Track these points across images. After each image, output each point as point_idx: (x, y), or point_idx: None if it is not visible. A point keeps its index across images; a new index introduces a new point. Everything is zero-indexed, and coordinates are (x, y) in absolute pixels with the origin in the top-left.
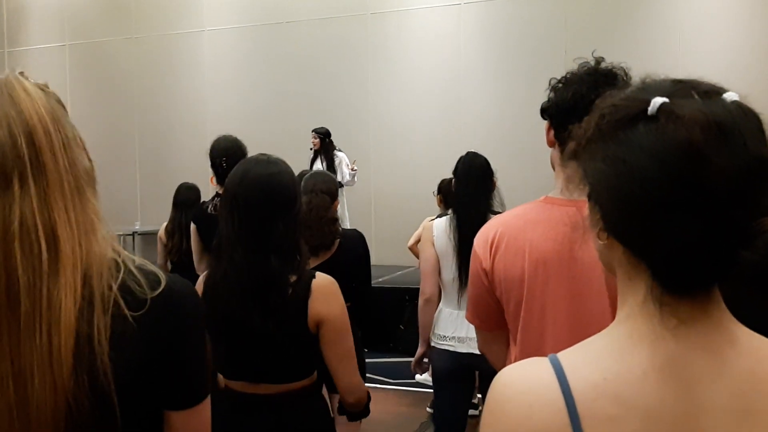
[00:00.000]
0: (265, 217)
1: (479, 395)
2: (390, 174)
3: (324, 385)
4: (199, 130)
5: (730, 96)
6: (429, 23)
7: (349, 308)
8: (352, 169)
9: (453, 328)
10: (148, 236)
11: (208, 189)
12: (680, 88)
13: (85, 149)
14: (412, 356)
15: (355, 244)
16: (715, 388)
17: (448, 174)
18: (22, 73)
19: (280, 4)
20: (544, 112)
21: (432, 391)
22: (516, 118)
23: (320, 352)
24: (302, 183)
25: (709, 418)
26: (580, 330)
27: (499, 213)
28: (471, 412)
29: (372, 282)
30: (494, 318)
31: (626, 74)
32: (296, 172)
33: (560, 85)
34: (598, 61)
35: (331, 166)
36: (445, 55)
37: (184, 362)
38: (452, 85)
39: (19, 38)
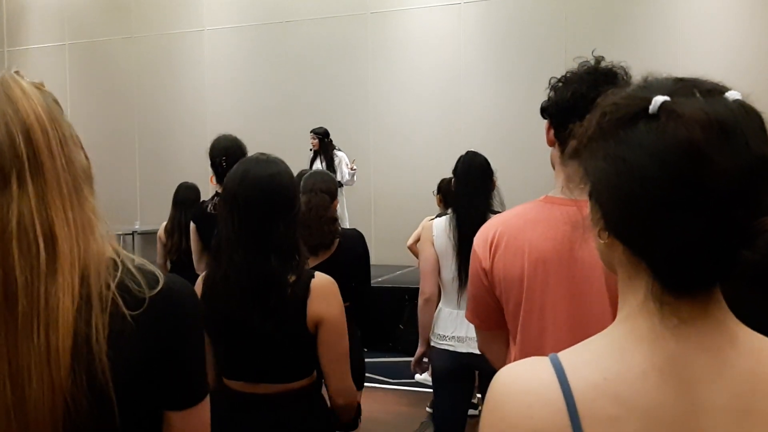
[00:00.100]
0: (266, 218)
1: (479, 395)
2: (390, 173)
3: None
4: (199, 129)
5: (732, 95)
6: (429, 23)
7: (348, 308)
8: (352, 169)
9: (453, 328)
10: (148, 236)
11: (208, 188)
12: (682, 87)
13: (82, 147)
14: (412, 356)
15: (355, 243)
16: (716, 388)
17: (448, 173)
18: (18, 72)
19: (280, 4)
20: (544, 111)
21: (432, 390)
22: (516, 118)
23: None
24: (301, 182)
25: (709, 418)
26: (580, 330)
27: (499, 212)
28: (471, 411)
29: (371, 282)
30: (494, 317)
31: (626, 73)
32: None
33: (560, 84)
34: (598, 60)
35: (330, 165)
36: (445, 54)
37: (182, 362)
38: (452, 85)
39: (19, 38)
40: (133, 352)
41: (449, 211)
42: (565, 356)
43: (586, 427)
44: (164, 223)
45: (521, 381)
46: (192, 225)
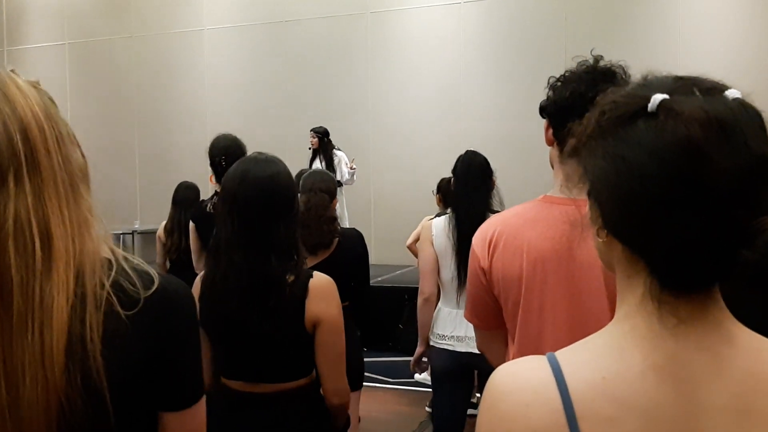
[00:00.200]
0: (266, 219)
1: (478, 394)
2: (389, 173)
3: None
4: (199, 128)
5: (732, 93)
6: (429, 22)
7: (347, 307)
8: (351, 168)
9: (452, 328)
10: (148, 235)
11: (208, 188)
12: (681, 85)
13: (78, 146)
14: (412, 355)
15: (354, 243)
16: (714, 387)
17: (448, 173)
18: (13, 71)
19: (280, 3)
20: (543, 110)
21: (431, 390)
22: (516, 117)
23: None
24: (300, 182)
25: (708, 418)
26: (578, 329)
27: (498, 212)
28: (470, 411)
29: (371, 281)
30: (493, 317)
31: (625, 72)
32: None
33: (559, 83)
34: (597, 59)
35: (330, 165)
36: (445, 54)
37: (178, 363)
38: (452, 84)
39: (19, 37)
40: (127, 352)
41: (448, 210)
42: (563, 355)
43: (583, 427)
44: (164, 223)
45: (518, 380)
46: (191, 224)
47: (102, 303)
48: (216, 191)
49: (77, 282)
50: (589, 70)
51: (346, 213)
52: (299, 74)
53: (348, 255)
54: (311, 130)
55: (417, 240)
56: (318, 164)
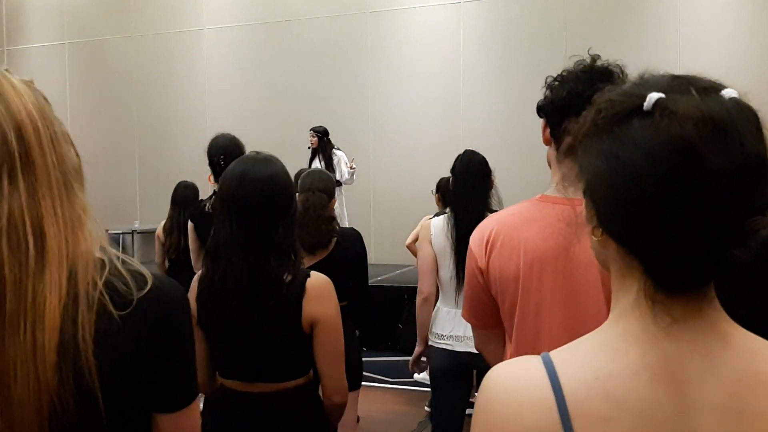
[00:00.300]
0: (266, 219)
1: (477, 394)
2: (389, 172)
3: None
4: (199, 128)
5: (728, 93)
6: (428, 21)
7: (345, 307)
8: (351, 168)
9: (451, 327)
10: (147, 235)
11: (207, 187)
12: (678, 84)
13: (72, 144)
14: (411, 355)
15: (353, 243)
16: (709, 388)
17: (447, 172)
18: (7, 70)
19: (279, 3)
20: (540, 110)
21: (430, 389)
22: (516, 117)
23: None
24: (299, 181)
25: (701, 418)
26: (575, 328)
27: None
28: (469, 410)
29: (370, 281)
30: (490, 316)
31: (622, 71)
32: (295, 171)
33: (556, 83)
34: (594, 58)
35: (329, 164)
36: (444, 53)
37: (171, 364)
38: (452, 84)
39: (19, 36)
40: (120, 352)
41: (447, 210)
42: (557, 355)
43: (576, 427)
44: (163, 222)
45: (512, 380)
46: (190, 224)
47: (94, 303)
48: (215, 191)
49: (70, 281)
50: (587, 70)
51: (346, 212)
52: (299, 74)
53: (346, 255)
54: (311, 130)
55: (416, 239)
56: (317, 164)
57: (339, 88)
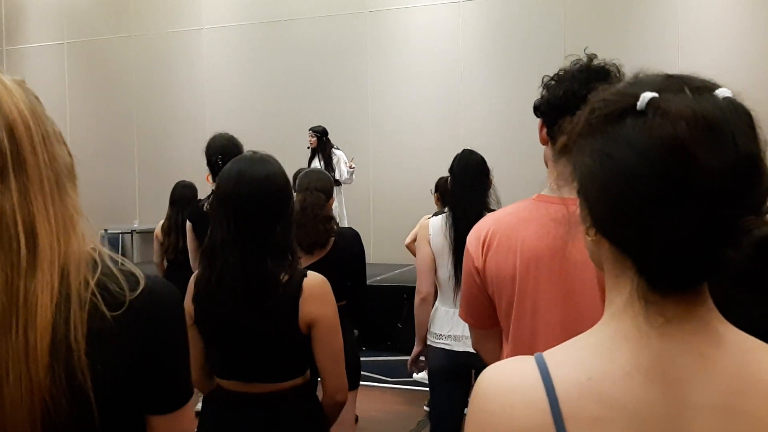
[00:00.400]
0: (263, 219)
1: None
2: (389, 172)
3: None
4: (198, 127)
5: (722, 92)
6: (428, 21)
7: (344, 307)
8: (351, 167)
9: (449, 327)
10: (147, 234)
11: (207, 187)
12: (671, 83)
13: (65, 144)
14: (410, 355)
15: (351, 242)
16: (702, 388)
17: (447, 172)
18: None
19: (278, 3)
20: (537, 109)
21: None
22: (516, 116)
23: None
24: (297, 181)
25: (694, 418)
26: (572, 328)
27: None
28: (467, 410)
29: (370, 280)
30: (487, 316)
31: (619, 71)
32: (294, 171)
33: (553, 82)
34: (591, 57)
35: (328, 164)
36: (444, 52)
37: (164, 366)
38: (451, 83)
39: (18, 36)
40: (112, 352)
41: (446, 209)
42: (550, 355)
43: (569, 427)
44: (161, 222)
45: (505, 380)
46: (188, 224)
47: (86, 302)
48: (213, 190)
49: (62, 281)
50: (583, 69)
51: (345, 212)
52: (298, 73)
53: (344, 254)
54: (310, 130)
55: (415, 239)
56: (317, 163)
57: (338, 87)
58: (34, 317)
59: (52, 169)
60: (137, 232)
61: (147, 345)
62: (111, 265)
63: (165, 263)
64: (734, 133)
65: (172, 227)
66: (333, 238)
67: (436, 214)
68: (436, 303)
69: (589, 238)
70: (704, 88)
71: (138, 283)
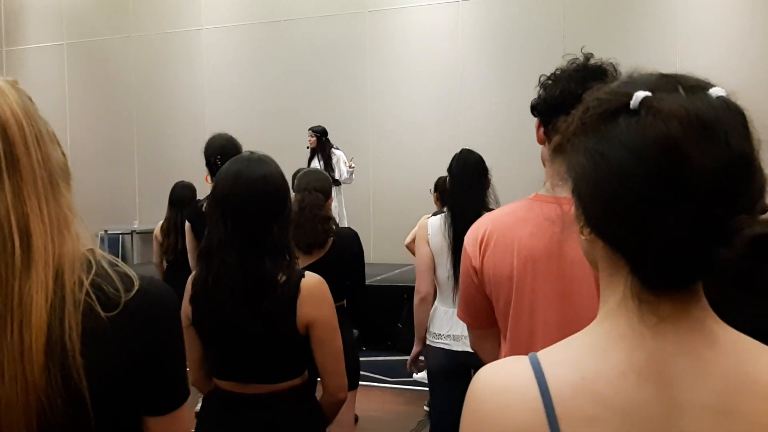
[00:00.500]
0: (261, 220)
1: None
2: (388, 171)
3: None
4: (198, 127)
5: (716, 91)
6: (427, 20)
7: (342, 307)
8: (350, 167)
9: (448, 327)
10: (147, 235)
11: (206, 187)
12: (665, 83)
13: (58, 144)
14: (410, 354)
15: (350, 242)
16: (696, 387)
17: (446, 172)
18: None
19: (278, 2)
20: (534, 109)
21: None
22: (516, 116)
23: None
24: (295, 181)
25: (689, 417)
26: (569, 328)
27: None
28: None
29: (370, 280)
30: (485, 316)
31: (616, 70)
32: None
33: (549, 81)
34: (587, 57)
35: (328, 164)
36: (443, 52)
37: (160, 367)
38: (451, 82)
39: (17, 37)
40: (108, 353)
41: (445, 209)
42: (545, 355)
43: (563, 427)
44: (160, 223)
45: (499, 381)
46: (187, 224)
47: (81, 302)
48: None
49: (56, 281)
50: (580, 68)
51: (345, 212)
52: (297, 73)
53: (343, 254)
54: (309, 130)
55: (415, 239)
56: (316, 163)
57: (338, 87)
58: (29, 317)
59: (45, 168)
60: (137, 233)
61: (142, 346)
62: (106, 265)
63: (164, 264)
64: (727, 132)
65: (171, 228)
66: (332, 238)
67: (435, 214)
68: (436, 303)
69: (584, 237)
70: (698, 87)
71: (132, 284)
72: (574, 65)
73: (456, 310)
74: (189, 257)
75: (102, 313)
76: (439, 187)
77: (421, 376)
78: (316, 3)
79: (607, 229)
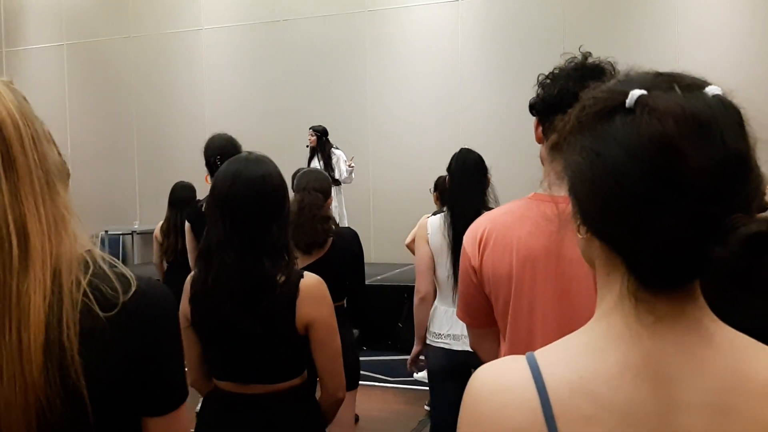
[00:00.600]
0: (259, 220)
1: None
2: (388, 171)
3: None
4: (198, 128)
5: (712, 90)
6: (427, 20)
7: (342, 307)
8: (350, 166)
9: (448, 326)
10: (147, 235)
11: (206, 187)
12: (661, 81)
13: (54, 144)
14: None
15: (349, 242)
16: (692, 386)
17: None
18: None
19: (277, 2)
20: (532, 108)
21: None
22: (516, 115)
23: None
24: (295, 181)
25: (685, 416)
26: (568, 327)
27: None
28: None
29: (370, 280)
30: (484, 315)
31: (614, 68)
32: (294, 170)
33: (548, 81)
34: (585, 56)
35: (328, 164)
36: (443, 51)
37: (158, 368)
38: (450, 82)
39: (17, 38)
40: (106, 352)
41: (445, 208)
42: (542, 355)
43: (561, 426)
44: (160, 223)
45: (496, 380)
46: (187, 224)
47: (78, 302)
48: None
49: (54, 281)
50: (578, 67)
51: (345, 212)
52: (297, 73)
53: (343, 254)
54: (310, 128)
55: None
56: (316, 163)
57: (337, 87)
58: (27, 317)
59: (42, 168)
60: (138, 233)
61: (140, 347)
62: (104, 266)
63: (165, 264)
64: (723, 131)
65: (171, 228)
66: (331, 238)
67: (435, 213)
68: (435, 302)
69: (580, 236)
70: (694, 86)
71: (130, 285)
72: (573, 64)
73: (456, 310)
74: (189, 257)
75: (100, 314)
76: (439, 186)
77: (422, 375)
78: (316, 3)
79: (603, 228)
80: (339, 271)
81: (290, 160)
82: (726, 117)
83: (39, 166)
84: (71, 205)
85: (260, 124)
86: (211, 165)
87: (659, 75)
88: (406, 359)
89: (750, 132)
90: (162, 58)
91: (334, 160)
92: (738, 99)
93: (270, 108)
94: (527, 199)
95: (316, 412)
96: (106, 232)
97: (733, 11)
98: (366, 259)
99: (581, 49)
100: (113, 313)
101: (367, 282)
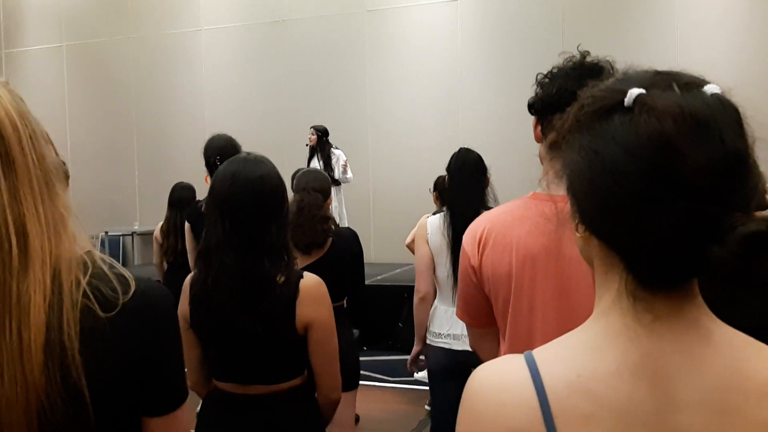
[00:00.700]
0: (258, 220)
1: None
2: (388, 171)
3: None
4: (197, 128)
5: (710, 88)
6: (426, 19)
7: (342, 307)
8: (343, 165)
9: (448, 326)
10: (147, 236)
11: (205, 188)
12: (660, 80)
13: (52, 144)
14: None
15: (349, 242)
16: (690, 385)
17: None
18: None
19: (277, 3)
20: (531, 107)
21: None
22: (515, 115)
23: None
24: (294, 181)
25: (683, 415)
26: (568, 326)
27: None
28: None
29: (370, 280)
30: (484, 315)
31: (612, 67)
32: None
33: (546, 80)
34: (584, 55)
35: (327, 164)
36: (442, 51)
37: (158, 368)
38: (450, 82)
39: (17, 39)
40: (106, 352)
41: (444, 208)
42: (540, 354)
43: (559, 425)
44: (160, 224)
45: (495, 379)
46: (187, 225)
47: (78, 302)
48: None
49: (54, 280)
50: (576, 66)
51: (345, 212)
52: (297, 73)
53: (342, 254)
54: (312, 127)
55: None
56: (316, 163)
57: (337, 87)
58: (27, 317)
59: (41, 168)
60: (138, 234)
61: (140, 347)
62: (103, 267)
63: (165, 265)
64: (721, 130)
65: (171, 229)
66: (331, 239)
67: (435, 213)
68: (435, 302)
69: (579, 235)
70: (693, 85)
71: (129, 285)
72: (571, 63)
73: (456, 309)
74: (189, 258)
75: (101, 314)
76: (439, 186)
77: (422, 375)
78: (316, 3)
79: (601, 226)
80: (339, 271)
81: (290, 160)
82: (725, 116)
83: (38, 167)
84: (70, 206)
85: (260, 124)
86: (211, 165)
87: (658, 74)
88: (406, 359)
89: (748, 131)
90: (161, 59)
91: (333, 161)
92: (737, 98)
93: (270, 108)
94: (526, 198)
95: (316, 412)
96: (107, 233)
97: (731, 10)
98: (366, 259)
99: (580, 48)
100: (113, 313)
101: (367, 282)
